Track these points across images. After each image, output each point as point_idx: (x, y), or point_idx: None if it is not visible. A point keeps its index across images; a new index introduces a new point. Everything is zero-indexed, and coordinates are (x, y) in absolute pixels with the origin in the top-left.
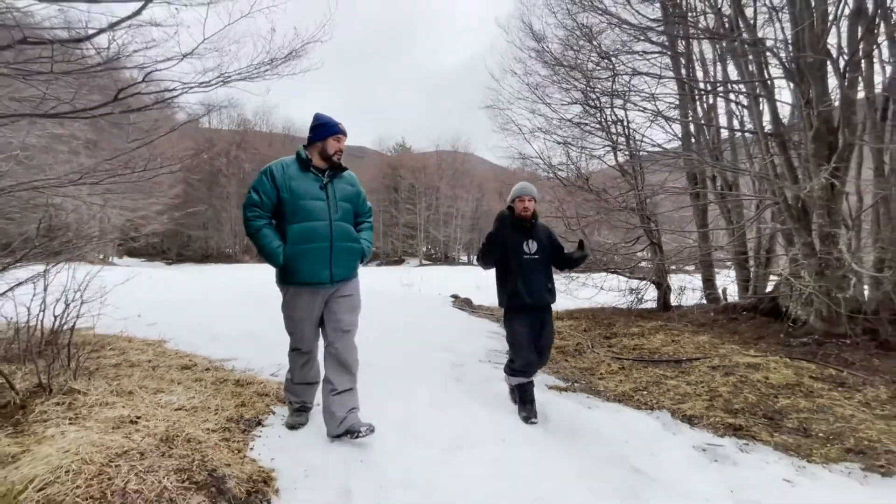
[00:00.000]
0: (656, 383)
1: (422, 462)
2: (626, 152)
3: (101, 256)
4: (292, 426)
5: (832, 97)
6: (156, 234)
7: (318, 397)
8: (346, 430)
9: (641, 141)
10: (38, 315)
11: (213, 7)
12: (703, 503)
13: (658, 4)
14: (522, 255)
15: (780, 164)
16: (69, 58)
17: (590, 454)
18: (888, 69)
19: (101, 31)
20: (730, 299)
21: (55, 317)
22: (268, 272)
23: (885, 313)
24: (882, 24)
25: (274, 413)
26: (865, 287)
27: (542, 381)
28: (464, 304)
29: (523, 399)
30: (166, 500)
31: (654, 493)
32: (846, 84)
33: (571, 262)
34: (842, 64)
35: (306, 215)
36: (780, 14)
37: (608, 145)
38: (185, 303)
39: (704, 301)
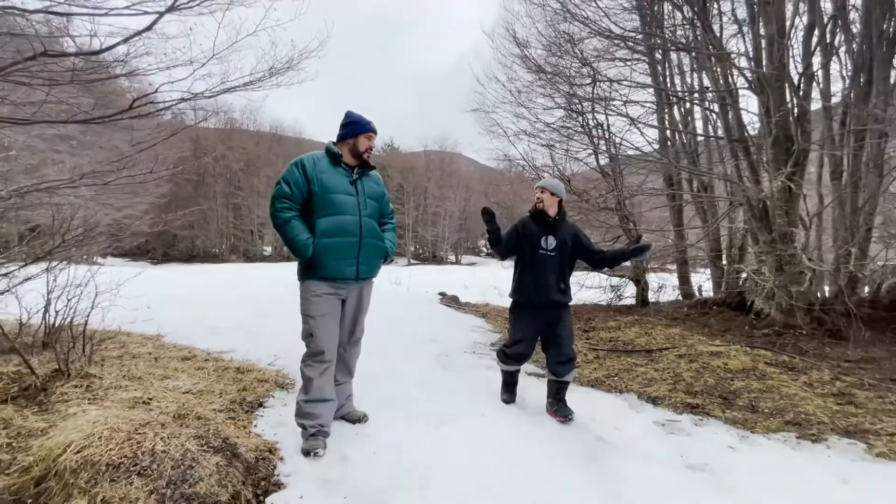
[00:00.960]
0: (627, 370)
1: (410, 433)
2: (607, 155)
3: (85, 257)
4: (307, 451)
5: (790, 106)
6: (144, 233)
7: (334, 423)
8: (342, 416)
9: (620, 144)
10: (49, 309)
11: (218, 19)
12: (656, 465)
13: (637, 14)
14: (538, 250)
15: (744, 167)
16: (79, 67)
17: (559, 427)
18: (847, 80)
19: (117, 44)
20: (704, 295)
21: (56, 312)
22: (257, 271)
23: (839, 306)
24: (841, 37)
25: (274, 396)
26: (827, 282)
27: (523, 368)
28: (451, 301)
29: (506, 382)
30: (189, 459)
31: (614, 457)
32: (801, 95)
33: (619, 257)
34: (796, 76)
35: (336, 209)
36: (744, 28)
37: (589, 148)
38: (178, 299)
39: (680, 297)
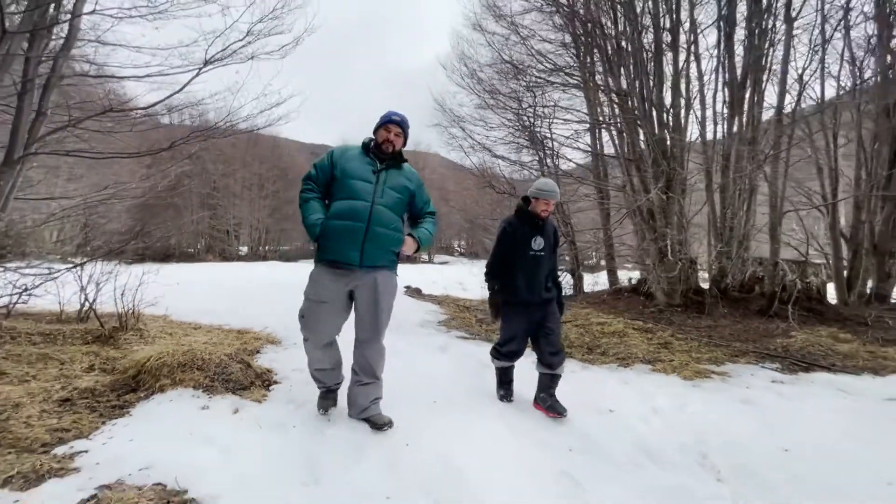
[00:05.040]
0: None
1: None
2: (549, 167)
3: (59, 256)
4: (319, 408)
5: (661, 136)
6: (119, 232)
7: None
8: (366, 419)
9: (558, 157)
10: (81, 294)
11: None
12: (519, 380)
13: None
14: (529, 251)
15: (637, 180)
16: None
17: (465, 365)
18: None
19: (161, 101)
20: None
21: (86, 295)
22: (235, 269)
23: (710, 289)
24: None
25: (267, 348)
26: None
27: (453, 333)
28: (414, 292)
29: (501, 380)
30: (224, 363)
31: (491, 374)
32: (669, 128)
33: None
34: (666, 114)
35: (350, 193)
36: (632, 75)
37: (535, 161)
38: (168, 290)
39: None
